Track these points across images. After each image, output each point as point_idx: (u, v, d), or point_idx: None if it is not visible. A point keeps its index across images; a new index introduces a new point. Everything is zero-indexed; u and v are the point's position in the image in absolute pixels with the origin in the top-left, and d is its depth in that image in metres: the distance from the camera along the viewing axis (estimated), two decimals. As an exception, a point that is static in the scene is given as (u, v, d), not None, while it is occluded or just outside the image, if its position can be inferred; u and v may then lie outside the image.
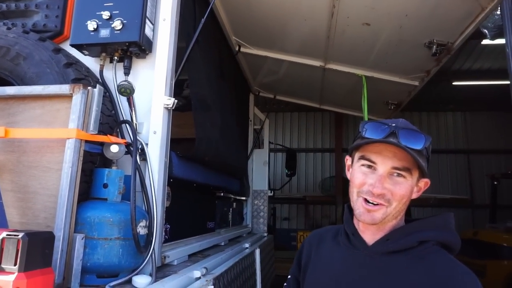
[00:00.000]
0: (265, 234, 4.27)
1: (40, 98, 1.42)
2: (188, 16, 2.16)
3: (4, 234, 0.88)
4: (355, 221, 1.07)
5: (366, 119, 3.26)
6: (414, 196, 1.01)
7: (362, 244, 1.02)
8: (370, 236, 1.02)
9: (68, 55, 1.57)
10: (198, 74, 2.28)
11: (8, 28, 1.61)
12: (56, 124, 1.38)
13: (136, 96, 1.74)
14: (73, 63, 1.54)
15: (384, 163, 0.96)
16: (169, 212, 1.91)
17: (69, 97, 1.36)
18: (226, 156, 2.86)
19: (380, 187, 0.95)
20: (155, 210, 1.55)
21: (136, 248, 1.34)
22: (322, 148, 11.65)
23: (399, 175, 0.96)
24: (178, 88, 2.95)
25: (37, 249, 0.89)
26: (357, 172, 1.01)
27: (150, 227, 1.51)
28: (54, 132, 1.34)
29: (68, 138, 1.31)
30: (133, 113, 1.71)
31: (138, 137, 1.68)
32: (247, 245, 2.88)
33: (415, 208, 10.87)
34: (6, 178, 1.37)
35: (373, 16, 2.25)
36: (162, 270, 1.63)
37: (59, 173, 1.31)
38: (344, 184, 11.08)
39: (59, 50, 1.54)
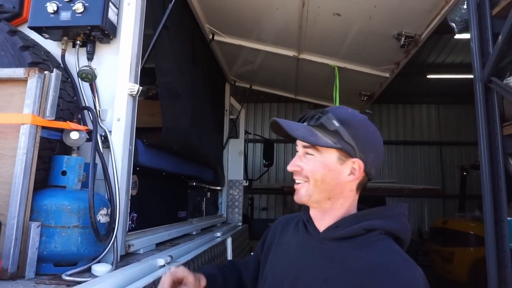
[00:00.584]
0: (240, 224, 4.30)
1: (-7, 82, 1.36)
2: (156, 1, 2.11)
3: None
4: (310, 209, 1.09)
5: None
6: (351, 178, 1.00)
7: (315, 230, 1.05)
8: (322, 223, 1.04)
9: (25, 38, 1.51)
10: (166, 61, 2.24)
11: (-40, 8, 1.53)
12: (10, 109, 1.33)
13: (99, 82, 1.70)
14: (31, 46, 1.48)
15: (299, 144, 1.05)
16: (137, 200, 1.89)
17: (24, 81, 1.32)
18: (197, 145, 2.84)
19: (291, 164, 1.04)
20: (117, 198, 1.53)
21: (95, 236, 1.32)
22: (301, 139, 11.76)
23: (309, 153, 1.02)
24: (151, 76, 2.91)
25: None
26: None
27: (112, 215, 1.49)
28: (7, 118, 1.29)
29: (23, 124, 1.27)
30: (96, 99, 1.67)
31: (101, 125, 1.65)
32: (218, 234, 2.88)
33: (389, 198, 11.19)
34: (-43, 165, 1.32)
35: (343, 6, 2.26)
36: (126, 259, 1.62)
37: (13, 160, 1.27)
38: (321, 174, 11.25)
39: (15, 32, 1.48)
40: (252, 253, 1.34)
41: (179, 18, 2.49)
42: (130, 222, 1.83)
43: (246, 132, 6.23)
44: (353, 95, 3.74)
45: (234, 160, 4.58)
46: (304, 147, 1.02)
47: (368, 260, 0.91)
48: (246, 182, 4.63)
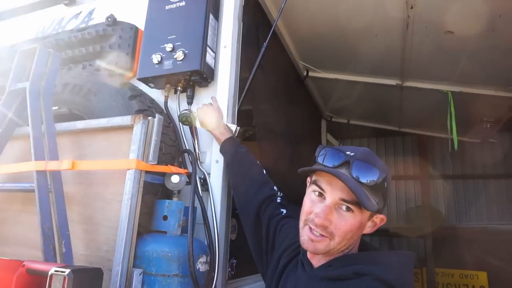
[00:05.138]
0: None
1: (105, 130, 1.45)
2: (251, 42, 2.12)
3: (53, 270, 0.84)
4: None
5: (455, 141, 2.87)
6: (367, 231, 0.97)
7: (309, 266, 1.01)
8: (316, 259, 1.00)
9: (133, 88, 1.61)
10: (262, 101, 2.21)
11: (83, 68, 1.72)
12: (119, 156, 1.38)
13: (199, 125, 1.71)
14: (138, 95, 1.57)
15: (333, 193, 0.93)
16: (236, 245, 1.80)
17: (130, 128, 1.37)
18: (297, 186, 2.70)
19: (322, 218, 0.92)
20: (217, 244, 1.44)
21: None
22: (405, 175, 10.71)
23: (348, 208, 0.92)
24: (247, 118, 2.94)
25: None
26: (307, 198, 1.00)
27: (212, 263, 1.40)
28: (115, 164, 1.34)
29: (129, 169, 1.29)
30: (196, 142, 1.67)
31: (200, 167, 1.63)
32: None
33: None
34: (74, 209, 1.40)
35: (457, 22, 1.97)
36: (226, 311, 1.50)
37: (120, 205, 1.29)
38: (432, 214, 9.97)
39: (125, 84, 1.59)
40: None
41: (273, 57, 2.48)
42: (229, 269, 1.74)
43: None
44: (471, 122, 3.23)
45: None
46: (345, 201, 0.92)
47: None
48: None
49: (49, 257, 1.22)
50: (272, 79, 2.43)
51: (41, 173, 1.34)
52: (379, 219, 0.98)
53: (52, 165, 1.34)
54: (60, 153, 1.47)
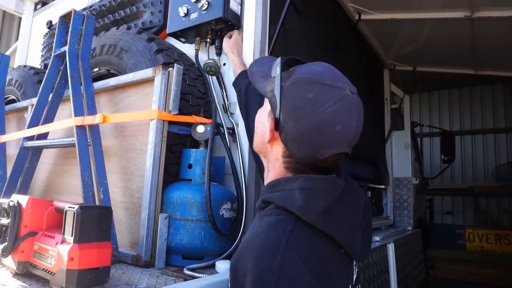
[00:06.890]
0: (410, 228, 3.71)
1: (134, 85, 1.51)
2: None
3: (67, 206, 0.92)
4: None
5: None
6: (266, 138, 0.85)
7: None
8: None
9: (160, 43, 1.62)
10: (299, 50, 2.08)
11: (117, 28, 1.78)
12: (146, 108, 1.43)
13: (228, 75, 1.69)
14: (164, 49, 1.58)
15: None
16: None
17: (153, 80, 1.40)
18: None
19: None
20: (244, 193, 1.45)
21: (214, 231, 1.26)
22: (495, 128, 9.54)
23: None
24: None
25: (91, 223, 0.90)
26: None
27: (239, 211, 1.42)
28: (139, 115, 1.40)
29: (151, 119, 1.34)
30: (224, 92, 1.66)
31: (230, 118, 1.62)
32: (377, 238, 2.51)
33: None
34: (112, 161, 1.51)
35: None
36: (258, 258, 1.53)
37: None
38: (529, 171, 8.82)
39: (152, 39, 1.61)
40: None
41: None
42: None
43: (416, 124, 5.44)
44: None
45: (400, 155, 4.01)
46: None
47: (248, 234, 0.80)
48: (416, 180, 3.97)
49: (89, 202, 1.34)
50: (312, 25, 2.27)
51: (80, 128, 1.45)
52: (270, 122, 0.84)
53: (88, 120, 1.45)
54: (99, 110, 1.58)
